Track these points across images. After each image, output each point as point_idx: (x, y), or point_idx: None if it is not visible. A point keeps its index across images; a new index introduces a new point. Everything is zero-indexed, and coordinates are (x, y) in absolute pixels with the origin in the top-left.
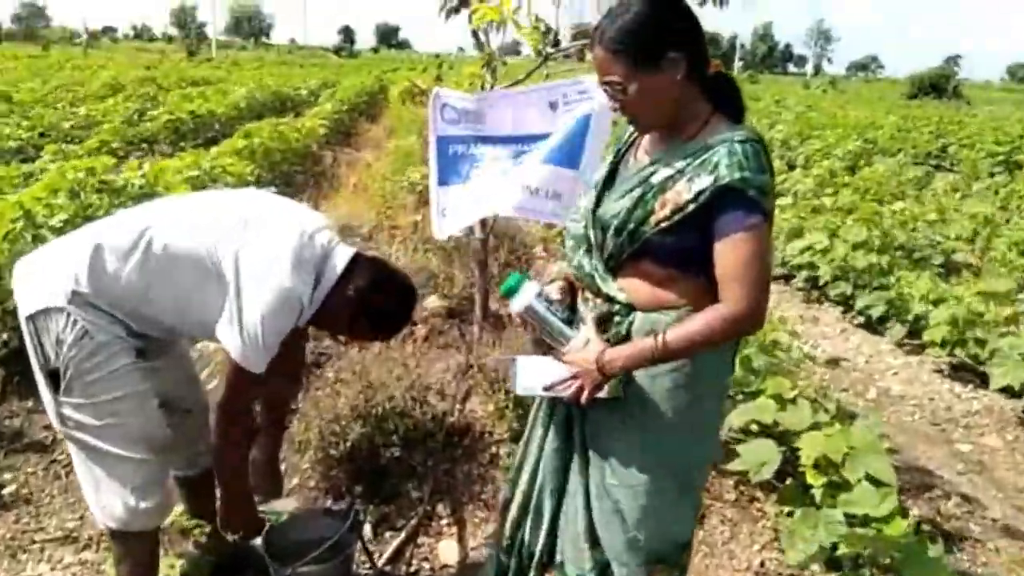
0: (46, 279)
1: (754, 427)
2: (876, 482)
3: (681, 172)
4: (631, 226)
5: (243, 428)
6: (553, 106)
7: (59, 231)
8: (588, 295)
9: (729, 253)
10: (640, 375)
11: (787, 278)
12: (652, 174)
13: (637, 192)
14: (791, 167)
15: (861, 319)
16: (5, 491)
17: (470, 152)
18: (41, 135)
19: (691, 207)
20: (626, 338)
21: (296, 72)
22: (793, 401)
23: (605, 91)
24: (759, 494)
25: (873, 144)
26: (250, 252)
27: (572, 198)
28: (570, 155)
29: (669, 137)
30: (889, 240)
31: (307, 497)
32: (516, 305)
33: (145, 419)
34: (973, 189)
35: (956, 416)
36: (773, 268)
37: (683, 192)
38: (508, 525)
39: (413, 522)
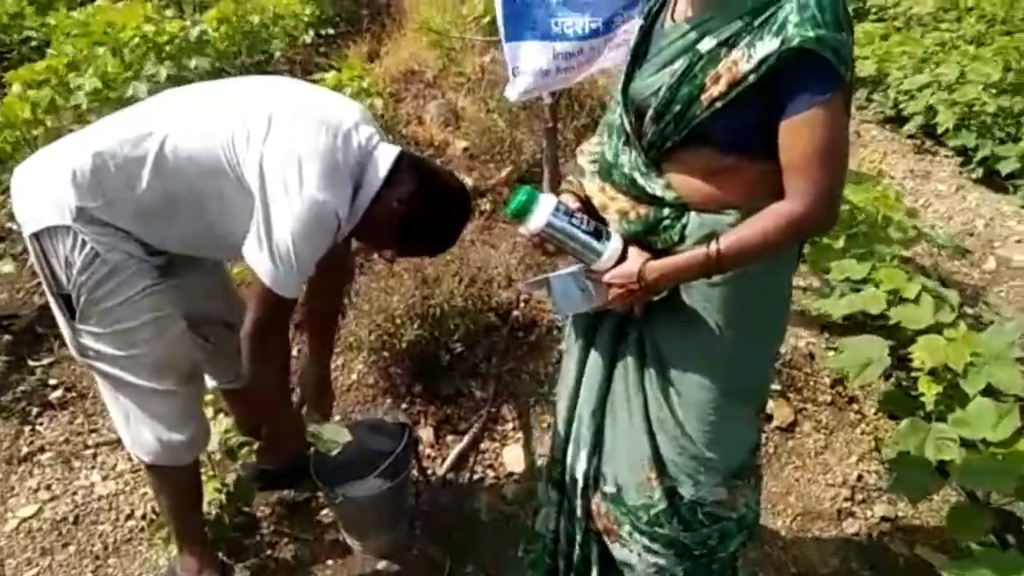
0: (47, 192)
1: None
2: (997, 396)
3: (737, 35)
4: (676, 107)
5: (279, 358)
6: None
7: (94, 95)
8: (626, 207)
9: (797, 136)
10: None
11: (896, 121)
12: (698, 40)
13: (680, 63)
14: None
15: (981, 172)
16: (53, 395)
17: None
18: None
19: (752, 78)
20: (678, 245)
21: None
22: (916, 300)
23: None
24: (858, 393)
25: None
26: (276, 158)
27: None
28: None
29: None
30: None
31: (364, 395)
32: (532, 224)
33: (172, 347)
34: None
35: None
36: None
37: (741, 61)
38: (555, 450)
39: (477, 426)
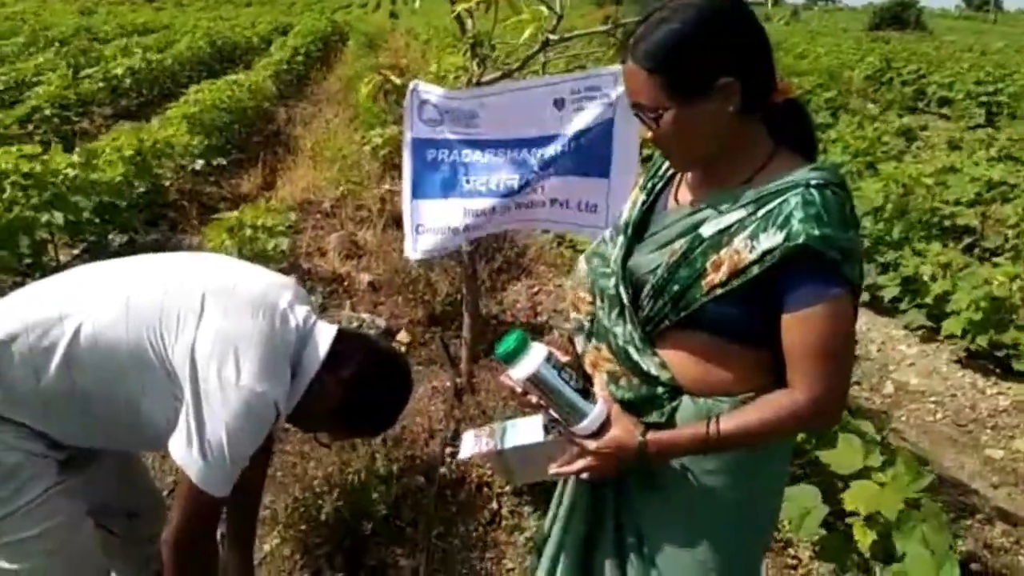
0: None
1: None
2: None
3: (740, 224)
4: (675, 288)
5: (205, 562)
6: (559, 104)
7: None
8: (618, 372)
9: (802, 330)
10: (688, 460)
11: None
12: (701, 223)
13: (680, 244)
14: None
15: (867, 296)
16: None
17: (455, 159)
18: None
19: (755, 270)
20: (664, 427)
21: (244, 13)
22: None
23: (636, 115)
24: (791, 535)
25: (848, 90)
26: (209, 346)
27: (610, 208)
28: (597, 164)
29: (718, 177)
30: (903, 206)
31: (278, 568)
32: (520, 372)
33: (76, 556)
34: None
35: (982, 415)
36: None
37: (743, 251)
38: None
39: None
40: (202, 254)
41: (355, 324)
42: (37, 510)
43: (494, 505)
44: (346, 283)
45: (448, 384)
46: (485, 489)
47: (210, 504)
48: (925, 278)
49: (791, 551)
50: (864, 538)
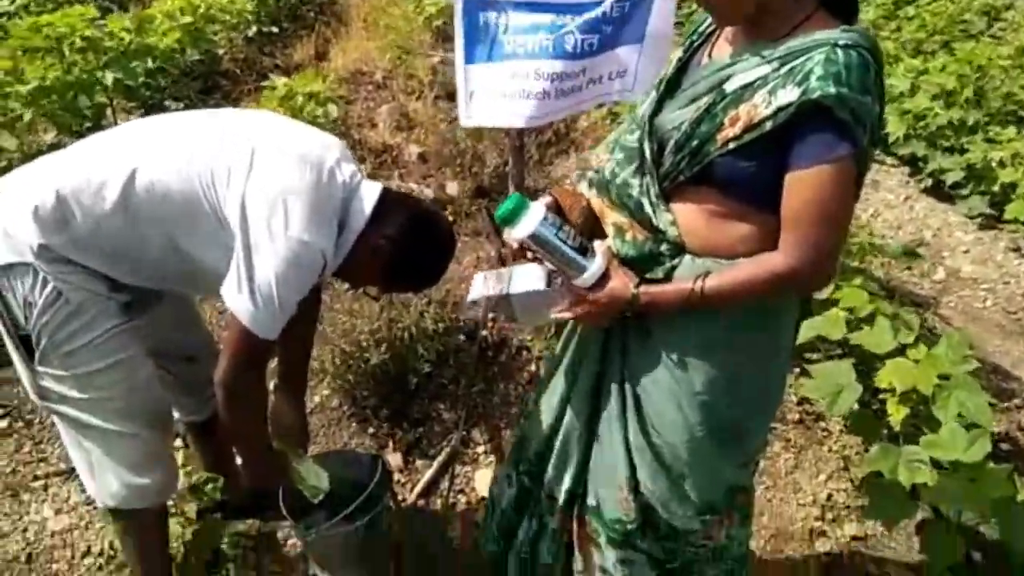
0: (5, 228)
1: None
2: (967, 424)
3: (763, 80)
4: (694, 142)
5: (256, 403)
6: None
7: (31, 102)
8: (624, 225)
9: (797, 190)
10: (681, 320)
11: None
12: (727, 79)
13: (706, 100)
14: None
15: (929, 182)
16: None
17: (502, 20)
18: None
19: (768, 125)
20: (661, 281)
21: None
22: (871, 319)
23: None
24: (823, 410)
25: None
26: (259, 197)
27: (639, 72)
28: (633, 32)
29: (755, 34)
30: (980, 91)
31: (329, 419)
32: (518, 232)
33: (138, 389)
34: None
35: None
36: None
37: (760, 106)
38: (531, 452)
39: (447, 450)
40: (255, 111)
41: None
42: (103, 345)
43: (532, 367)
44: (395, 154)
45: (493, 253)
46: (525, 352)
47: (259, 346)
48: (993, 164)
49: (822, 424)
50: (897, 413)
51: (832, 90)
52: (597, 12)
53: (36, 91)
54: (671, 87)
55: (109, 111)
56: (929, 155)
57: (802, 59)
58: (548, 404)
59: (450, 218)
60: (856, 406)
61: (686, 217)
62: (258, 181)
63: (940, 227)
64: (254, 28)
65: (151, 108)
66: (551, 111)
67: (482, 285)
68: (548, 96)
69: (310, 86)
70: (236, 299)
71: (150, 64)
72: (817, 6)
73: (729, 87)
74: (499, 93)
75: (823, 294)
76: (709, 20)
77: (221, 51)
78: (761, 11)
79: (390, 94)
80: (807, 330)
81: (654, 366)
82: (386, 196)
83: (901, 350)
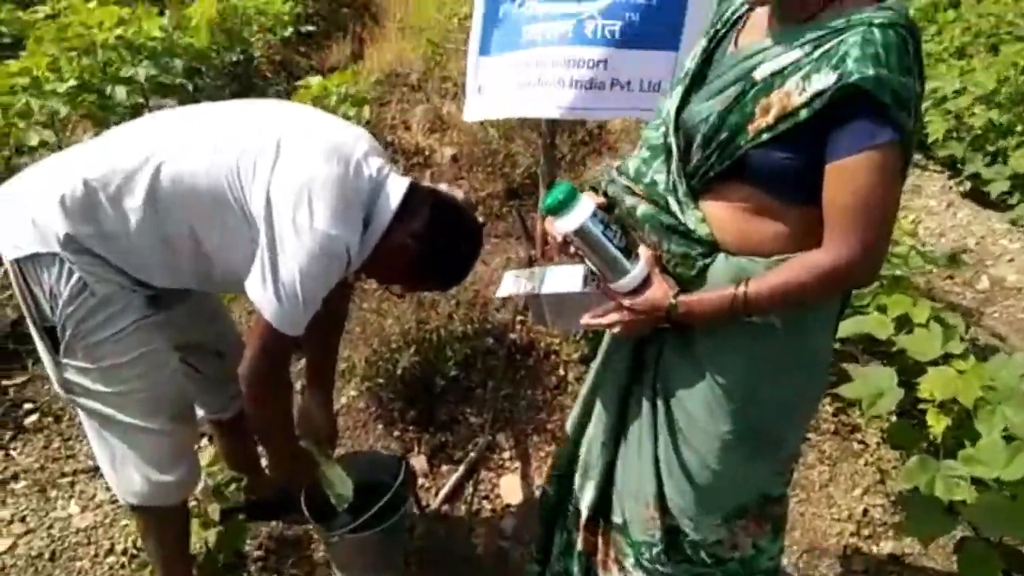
0: (32, 217)
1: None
2: (1010, 437)
3: (796, 65)
4: (723, 135)
5: (281, 399)
6: None
7: (70, 99)
8: (655, 222)
9: (841, 181)
10: (720, 331)
11: None
12: (756, 66)
13: (734, 90)
14: None
15: (969, 186)
16: (27, 419)
17: (524, 10)
18: None
19: (803, 113)
20: (693, 283)
21: None
22: (926, 326)
23: None
24: (860, 421)
25: None
26: (285, 188)
27: None
28: (664, 34)
29: (784, 17)
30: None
31: (356, 420)
32: (566, 224)
33: (163, 384)
34: None
35: None
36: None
37: (794, 93)
38: (563, 460)
39: (473, 454)
40: (283, 102)
41: None
42: (127, 339)
43: (561, 372)
44: (428, 156)
45: (523, 255)
46: (553, 356)
47: (282, 342)
48: None
49: (859, 435)
50: (937, 424)
51: (871, 72)
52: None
53: (74, 89)
54: (697, 79)
55: (145, 109)
56: (968, 157)
57: (835, 41)
58: (578, 412)
59: (480, 218)
60: (895, 417)
61: (719, 214)
62: (284, 171)
63: (984, 235)
64: (290, 30)
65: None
66: (571, 104)
67: (512, 283)
68: (565, 85)
69: (344, 86)
70: (260, 294)
71: (184, 63)
72: None
73: (759, 75)
74: (515, 84)
75: (867, 296)
76: (734, 7)
77: (257, 52)
78: None
79: (424, 95)
80: (854, 326)
81: (690, 373)
82: (414, 191)
83: (946, 359)
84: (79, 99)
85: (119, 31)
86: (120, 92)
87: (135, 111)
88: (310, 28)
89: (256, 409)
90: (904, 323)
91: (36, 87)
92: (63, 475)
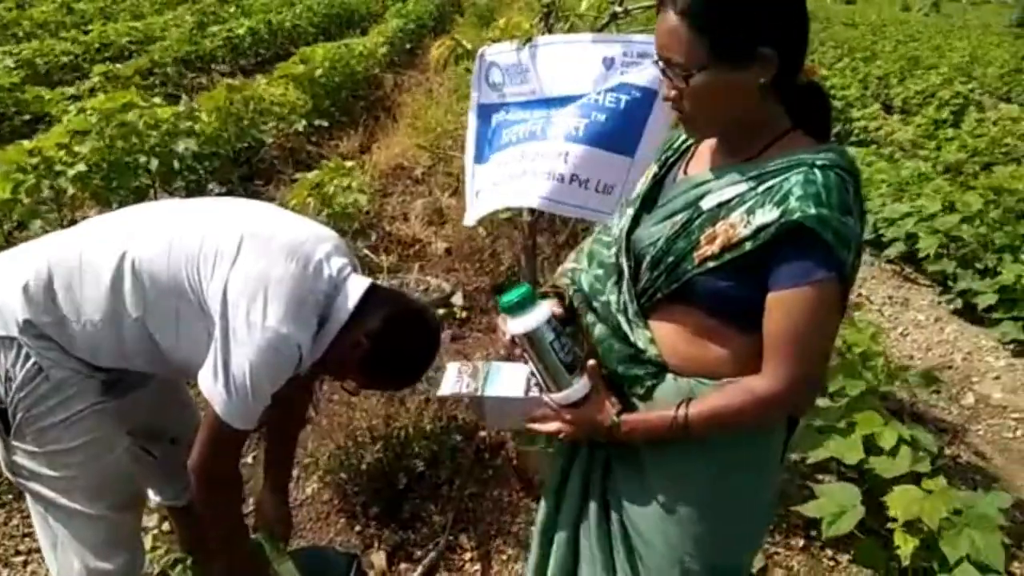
0: None
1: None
2: (981, 566)
3: (741, 198)
4: (670, 259)
5: (230, 491)
6: (607, 63)
7: (81, 180)
8: (607, 345)
9: (780, 311)
10: (664, 447)
11: (876, 245)
12: (703, 196)
13: (681, 216)
14: (888, 108)
15: (960, 303)
16: None
17: (510, 117)
18: (97, 49)
19: (748, 245)
20: (643, 403)
21: None
22: (892, 453)
23: (662, 71)
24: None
25: (979, 86)
26: (241, 284)
27: (624, 192)
28: (624, 139)
29: (729, 151)
30: (1012, 212)
31: (317, 512)
32: (517, 326)
33: (108, 471)
34: None
35: None
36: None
37: (738, 225)
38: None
39: (433, 554)
40: (250, 201)
41: (420, 287)
42: (77, 424)
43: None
44: (423, 247)
45: (502, 352)
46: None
47: (232, 436)
48: None
49: (829, 552)
50: (905, 544)
51: (813, 211)
52: (588, 99)
53: (84, 172)
54: (647, 202)
55: (151, 191)
56: (959, 275)
57: (779, 178)
58: (539, 521)
59: (465, 312)
60: (863, 536)
61: (666, 335)
62: (241, 270)
63: (971, 351)
64: (303, 122)
65: (192, 191)
66: (549, 194)
67: (455, 380)
68: (528, 175)
69: (343, 180)
70: (211, 386)
71: (194, 147)
72: (792, 125)
73: (705, 204)
74: (506, 176)
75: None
76: (684, 136)
77: (269, 140)
78: (735, 127)
79: (427, 189)
80: (822, 451)
81: (639, 488)
82: (373, 292)
83: (916, 479)
84: (87, 181)
85: (129, 116)
86: (125, 179)
87: (142, 194)
88: (323, 122)
89: (204, 501)
90: (872, 443)
91: (47, 167)
92: (17, 553)
